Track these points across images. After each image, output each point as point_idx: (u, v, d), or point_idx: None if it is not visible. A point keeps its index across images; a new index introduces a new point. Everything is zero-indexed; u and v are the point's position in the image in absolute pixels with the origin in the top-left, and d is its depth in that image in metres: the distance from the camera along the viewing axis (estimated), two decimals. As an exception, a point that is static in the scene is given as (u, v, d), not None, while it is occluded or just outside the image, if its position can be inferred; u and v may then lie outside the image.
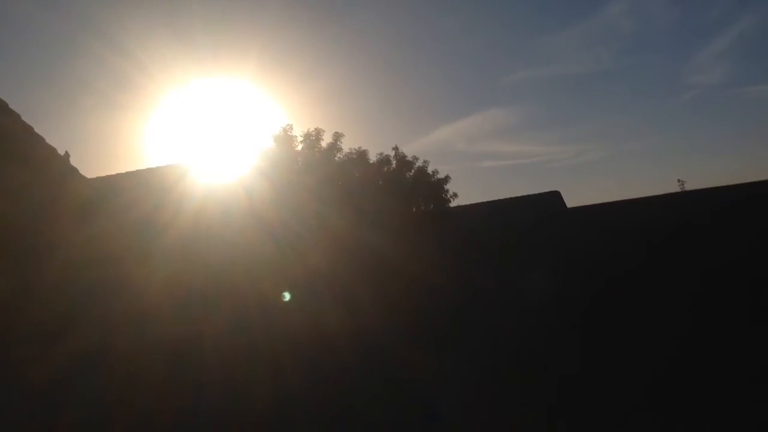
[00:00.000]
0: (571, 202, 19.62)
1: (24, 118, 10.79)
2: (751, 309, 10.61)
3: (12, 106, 10.37)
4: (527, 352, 9.93)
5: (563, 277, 13.74)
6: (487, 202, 18.01)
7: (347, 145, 14.46)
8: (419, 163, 15.07)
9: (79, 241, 10.51)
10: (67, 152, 11.83)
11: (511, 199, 18.06)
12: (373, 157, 14.76)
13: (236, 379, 9.09)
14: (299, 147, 14.20)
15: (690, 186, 19.25)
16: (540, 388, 8.29)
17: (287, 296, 12.10)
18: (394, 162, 14.92)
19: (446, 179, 15.31)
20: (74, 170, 11.93)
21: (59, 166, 11.68)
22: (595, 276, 13.54)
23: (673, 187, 18.50)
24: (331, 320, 10.99)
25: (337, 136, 14.40)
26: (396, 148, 15.03)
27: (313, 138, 14.23)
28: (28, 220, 10.30)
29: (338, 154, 14.34)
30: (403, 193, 14.61)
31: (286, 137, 14.11)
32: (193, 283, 10.51)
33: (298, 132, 14.29)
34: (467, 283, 13.95)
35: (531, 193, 18.31)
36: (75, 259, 10.23)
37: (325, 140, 14.34)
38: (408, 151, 15.33)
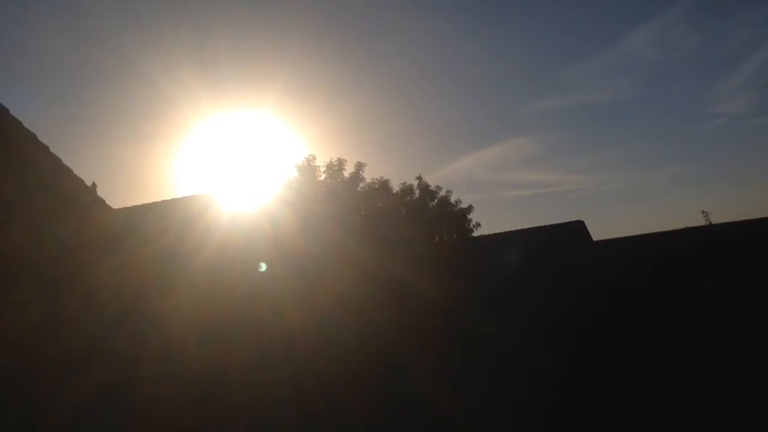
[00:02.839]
0: (594, 231, 19.32)
1: (52, 147, 10.89)
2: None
3: (41, 136, 10.45)
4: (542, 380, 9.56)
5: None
6: (511, 231, 17.79)
7: (369, 175, 14.44)
8: (442, 193, 14.98)
9: (103, 272, 10.46)
10: (94, 183, 11.90)
11: (534, 228, 17.83)
12: (395, 187, 14.70)
13: (260, 410, 8.86)
14: (322, 177, 14.19)
15: (714, 216, 18.85)
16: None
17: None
18: (417, 191, 14.84)
19: (469, 209, 15.16)
20: (101, 201, 11.98)
21: (86, 198, 11.71)
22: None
23: (698, 217, 18.16)
24: (356, 349, 10.74)
25: (360, 166, 14.39)
26: (419, 178, 14.98)
27: (335, 168, 14.23)
28: (53, 251, 10.28)
29: (361, 184, 14.29)
30: (426, 223, 14.46)
31: (309, 167, 14.13)
32: (217, 314, 10.35)
33: (321, 162, 14.32)
34: (491, 313, 13.65)
35: (554, 222, 18.09)
36: (99, 290, 10.16)
37: (348, 170, 14.34)
38: (430, 180, 15.31)
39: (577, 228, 17.42)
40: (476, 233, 15.53)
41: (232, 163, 21.22)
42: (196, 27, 34.69)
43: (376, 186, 14.38)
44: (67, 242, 10.17)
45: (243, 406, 8.85)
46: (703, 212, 17.49)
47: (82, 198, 11.71)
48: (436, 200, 14.92)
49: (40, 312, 9.12)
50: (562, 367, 10.32)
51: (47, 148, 11.83)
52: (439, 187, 14.96)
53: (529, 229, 17.68)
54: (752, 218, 14.63)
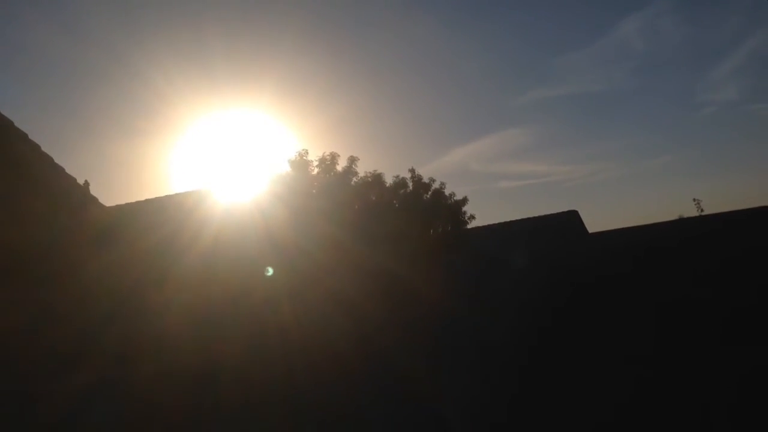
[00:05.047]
0: (588, 221, 19.34)
1: (45, 145, 10.96)
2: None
3: (33, 132, 10.52)
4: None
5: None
6: (506, 222, 17.85)
7: (362, 169, 14.40)
8: (436, 185, 14.96)
9: (96, 269, 10.53)
10: (86, 181, 11.98)
11: (529, 219, 17.89)
12: (389, 180, 14.68)
13: (253, 404, 8.94)
14: (315, 171, 14.18)
15: (707, 204, 18.95)
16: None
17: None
18: (410, 184, 14.83)
19: (464, 201, 15.17)
20: (94, 199, 12.04)
21: (78, 196, 11.78)
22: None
23: (690, 206, 18.24)
24: (349, 345, 10.81)
25: (352, 160, 14.34)
26: (412, 171, 14.95)
27: (328, 162, 14.20)
28: (45, 249, 10.36)
29: (354, 178, 14.27)
30: (420, 216, 14.47)
31: (301, 162, 14.11)
32: (210, 309, 10.43)
33: (314, 156, 14.28)
34: (485, 306, 13.72)
35: (548, 212, 18.14)
36: (92, 287, 10.24)
37: (341, 164, 14.30)
38: (424, 173, 15.20)
39: (572, 218, 17.47)
40: (470, 225, 15.58)
41: (224, 159, 21.28)
42: (190, 24, 34.58)
43: (370, 180, 14.35)
44: (59, 240, 10.25)
45: (236, 401, 8.93)
46: (694, 200, 17.51)
47: (74, 196, 11.78)
48: (429, 193, 14.92)
49: (32, 309, 9.21)
50: (550, 357, 10.39)
51: (39, 146, 11.89)
52: (432, 180, 14.95)
53: (523, 219, 17.75)
54: (744, 208, 14.66)
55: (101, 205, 11.97)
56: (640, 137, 45.33)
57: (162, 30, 34.85)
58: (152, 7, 33.34)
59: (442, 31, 40.02)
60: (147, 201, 13.05)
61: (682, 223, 16.83)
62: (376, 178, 14.43)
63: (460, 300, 13.29)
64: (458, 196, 15.15)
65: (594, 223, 36.78)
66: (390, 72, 42.86)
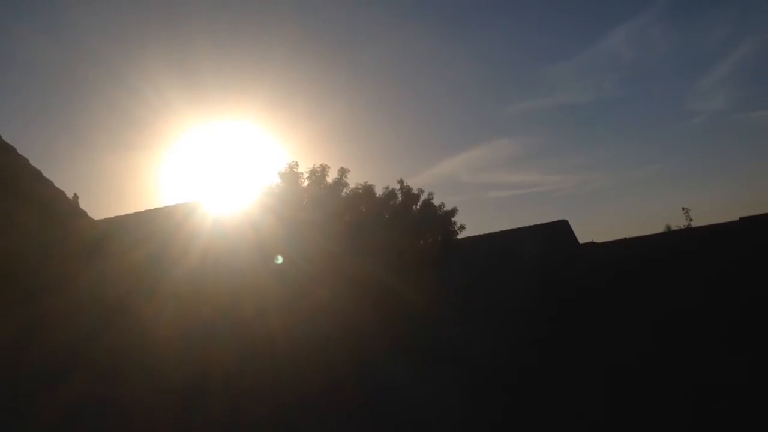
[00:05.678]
0: (578, 230, 19.49)
1: (34, 158, 10.96)
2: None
3: (22, 145, 10.53)
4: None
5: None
6: (496, 233, 17.93)
7: (353, 180, 14.45)
8: (425, 196, 15.05)
9: (85, 281, 10.49)
10: (75, 194, 11.95)
11: (519, 229, 17.97)
12: (379, 191, 14.73)
13: (243, 416, 8.91)
14: (305, 183, 14.21)
15: (696, 213, 19.11)
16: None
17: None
18: (399, 196, 14.89)
19: (453, 211, 15.25)
20: (82, 213, 12.01)
21: (67, 209, 11.76)
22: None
23: (679, 215, 18.33)
24: (338, 356, 10.81)
25: (343, 172, 14.39)
26: (401, 182, 15.01)
27: (318, 174, 14.24)
28: (35, 261, 10.33)
29: (344, 190, 14.31)
30: (410, 227, 14.52)
31: (292, 174, 14.13)
32: (200, 321, 10.40)
33: (304, 168, 14.32)
34: (475, 316, 13.77)
35: (538, 222, 18.22)
36: (80, 299, 10.19)
37: (331, 176, 14.34)
38: (414, 183, 15.30)
39: (562, 228, 17.57)
40: (461, 235, 15.64)
41: (215, 171, 21.28)
42: (180, 36, 34.70)
43: (360, 191, 14.39)
44: (47, 254, 10.20)
45: (225, 412, 8.90)
46: (683, 209, 17.54)
47: (62, 209, 11.75)
48: (419, 204, 14.99)
49: (20, 323, 9.15)
50: (540, 367, 10.44)
51: (27, 160, 11.87)
52: (421, 191, 15.02)
53: (512, 230, 17.84)
54: (733, 220, 14.72)
55: (90, 219, 11.94)
56: (629, 146, 45.99)
57: (152, 42, 34.93)
58: (142, 19, 33.40)
59: (431, 42, 40.49)
60: (137, 214, 13.01)
61: (671, 235, 17.00)
62: (367, 190, 14.47)
63: (451, 310, 13.33)
64: (448, 207, 15.25)
65: (585, 232, 37.11)
66: (379, 83, 43.28)
